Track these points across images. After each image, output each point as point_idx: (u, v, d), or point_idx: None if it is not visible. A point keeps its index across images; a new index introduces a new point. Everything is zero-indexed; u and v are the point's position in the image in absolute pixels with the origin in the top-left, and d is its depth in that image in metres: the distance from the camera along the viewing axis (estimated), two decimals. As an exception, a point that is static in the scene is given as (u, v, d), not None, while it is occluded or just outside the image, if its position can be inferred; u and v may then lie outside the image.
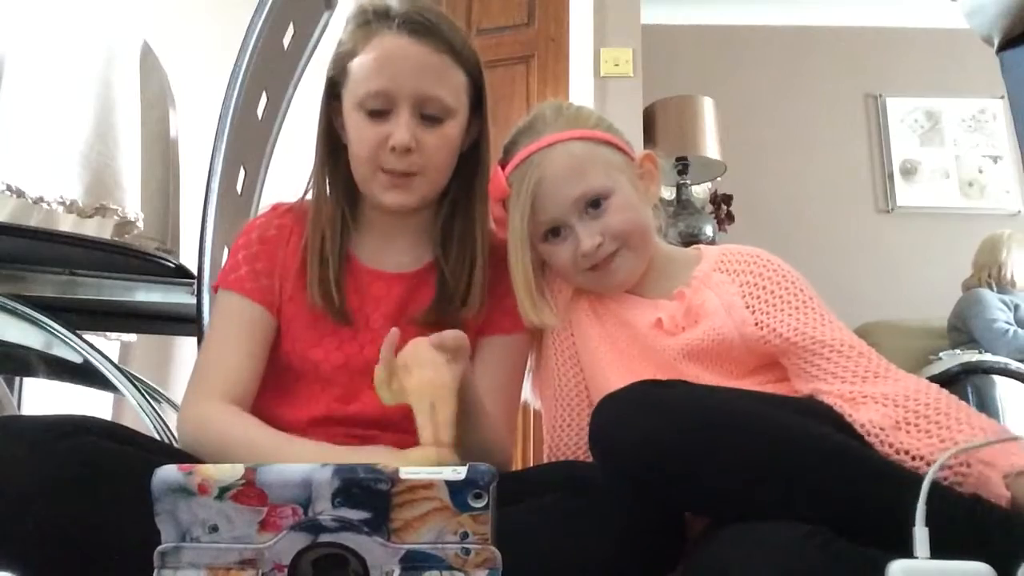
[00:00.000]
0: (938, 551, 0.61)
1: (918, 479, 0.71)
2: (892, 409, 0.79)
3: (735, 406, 0.72)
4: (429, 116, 0.90)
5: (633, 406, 0.72)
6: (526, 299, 0.93)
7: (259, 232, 0.96)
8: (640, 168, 0.99)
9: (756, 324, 0.90)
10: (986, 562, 0.60)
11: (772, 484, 0.68)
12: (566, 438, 0.97)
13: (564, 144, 0.94)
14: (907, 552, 0.61)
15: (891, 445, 0.77)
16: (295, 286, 0.93)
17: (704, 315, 0.92)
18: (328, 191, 0.96)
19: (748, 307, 0.91)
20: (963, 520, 0.67)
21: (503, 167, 0.97)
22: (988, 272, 3.01)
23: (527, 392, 1.05)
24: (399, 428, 0.91)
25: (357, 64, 0.90)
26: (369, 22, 0.90)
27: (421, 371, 0.75)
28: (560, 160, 0.93)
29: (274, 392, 0.93)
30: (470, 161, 0.96)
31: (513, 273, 0.93)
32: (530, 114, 1.00)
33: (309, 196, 0.97)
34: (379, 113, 0.89)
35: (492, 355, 0.96)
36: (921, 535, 0.62)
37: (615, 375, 0.93)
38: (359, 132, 0.90)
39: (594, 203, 0.93)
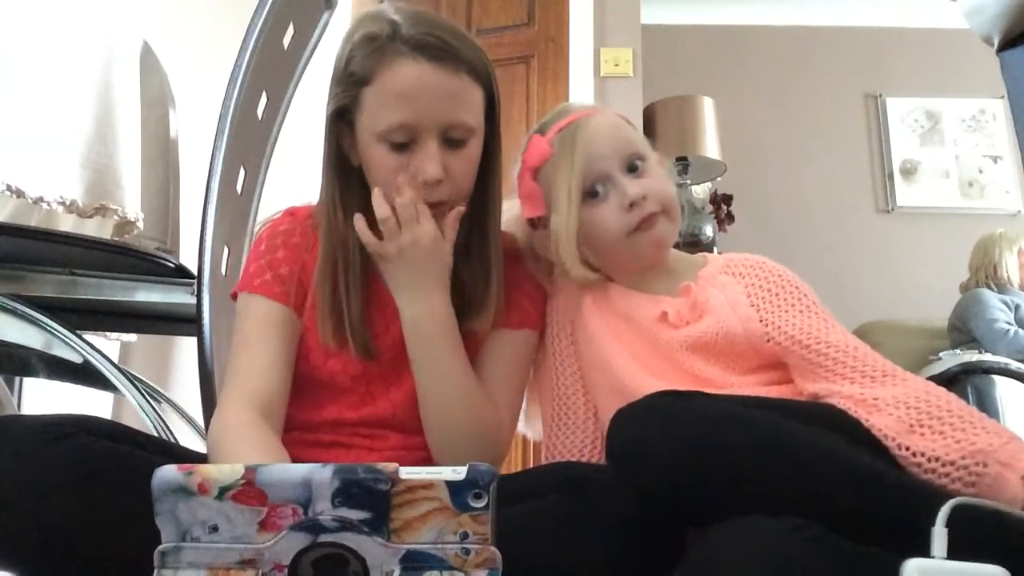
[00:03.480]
0: (954, 554, 0.61)
1: (924, 487, 0.71)
2: (904, 412, 0.79)
3: (764, 420, 0.71)
4: (453, 139, 0.87)
5: (654, 420, 0.70)
6: (570, 256, 0.94)
7: (283, 238, 0.94)
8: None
9: (761, 321, 0.91)
10: (1003, 566, 0.60)
11: (795, 498, 0.67)
12: (563, 438, 0.97)
13: (605, 113, 1.00)
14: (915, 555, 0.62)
15: (907, 448, 0.77)
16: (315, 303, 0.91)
17: (709, 310, 0.92)
18: (342, 215, 0.91)
19: (753, 305, 0.92)
20: (982, 525, 0.67)
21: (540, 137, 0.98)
22: (984, 273, 3.01)
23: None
24: (407, 428, 0.91)
25: (373, 94, 0.86)
26: (381, 47, 0.85)
27: None
28: (604, 121, 0.98)
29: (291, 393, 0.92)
30: (483, 171, 0.94)
31: (561, 230, 0.93)
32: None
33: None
34: (402, 145, 0.86)
35: (497, 348, 0.96)
36: (940, 535, 0.62)
37: (624, 368, 0.93)
38: (383, 168, 0.87)
39: (632, 166, 0.95)
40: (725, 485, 0.68)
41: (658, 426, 0.69)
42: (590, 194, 0.95)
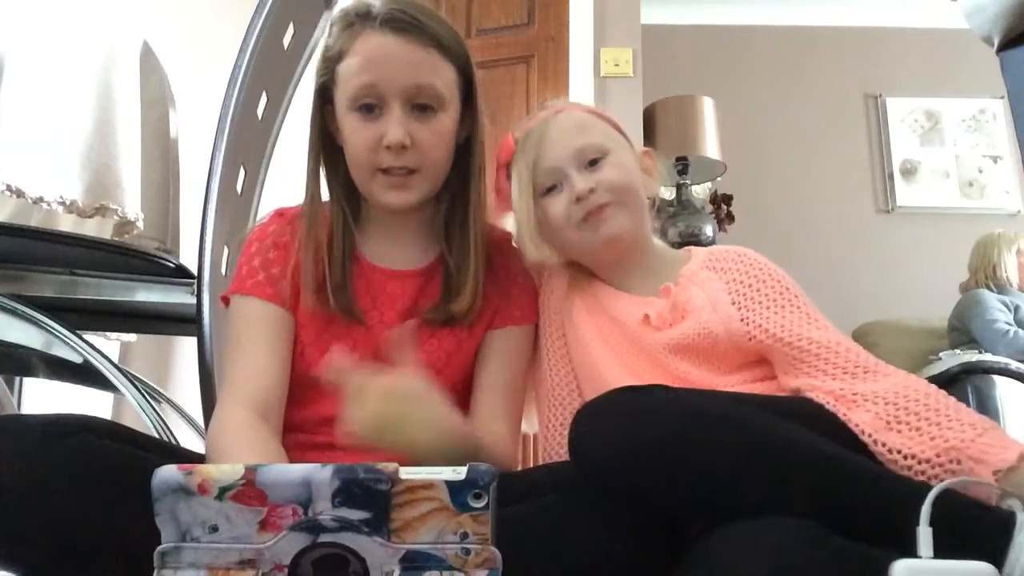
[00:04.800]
0: (937, 552, 0.62)
1: (902, 481, 0.71)
2: (882, 407, 0.80)
3: (710, 410, 0.71)
4: (422, 106, 0.89)
5: (607, 414, 0.71)
6: (528, 238, 0.96)
7: (273, 238, 0.95)
8: (640, 162, 1.01)
9: (742, 320, 0.90)
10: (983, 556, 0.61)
11: (749, 488, 0.67)
12: (559, 437, 0.97)
13: (572, 111, 1.00)
14: (903, 554, 0.62)
15: (883, 444, 0.78)
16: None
17: (690, 311, 0.92)
18: (330, 195, 0.95)
19: (735, 303, 0.92)
20: (965, 521, 0.67)
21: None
22: (983, 274, 3.01)
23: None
24: None
25: (345, 66, 0.90)
26: (353, 24, 0.89)
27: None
28: (567, 119, 0.99)
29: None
30: (464, 157, 0.96)
31: (518, 217, 0.97)
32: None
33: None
34: (370, 109, 0.88)
35: (501, 347, 0.97)
36: (924, 534, 0.62)
37: (608, 370, 0.94)
38: (353, 134, 0.90)
39: (592, 161, 0.96)
40: (685, 477, 0.68)
41: (617, 420, 0.70)
42: (549, 190, 0.97)
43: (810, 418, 0.78)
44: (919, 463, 0.76)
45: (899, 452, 0.77)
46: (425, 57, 0.89)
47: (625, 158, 0.98)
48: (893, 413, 0.79)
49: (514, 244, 1.03)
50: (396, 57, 0.88)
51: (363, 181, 0.92)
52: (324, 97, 0.94)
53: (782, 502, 0.66)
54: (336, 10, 0.93)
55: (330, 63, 0.91)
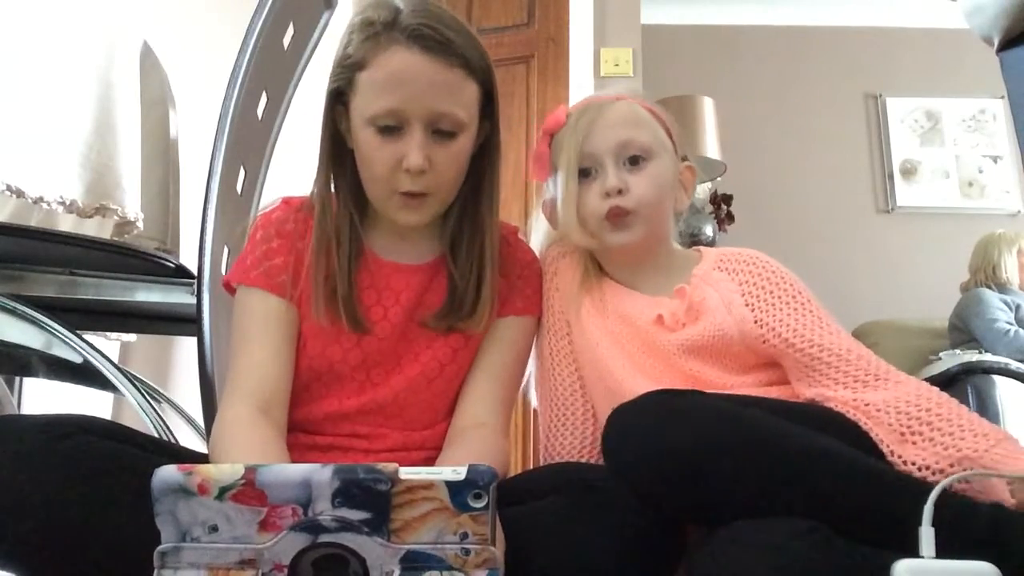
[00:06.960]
0: (947, 554, 0.62)
1: (922, 484, 0.71)
2: (895, 418, 0.80)
3: (755, 418, 0.72)
4: (441, 131, 0.87)
5: (650, 416, 0.71)
6: (571, 220, 0.95)
7: (276, 227, 0.94)
8: (681, 174, 1.02)
9: (756, 322, 0.90)
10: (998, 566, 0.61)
11: (788, 495, 0.68)
12: (561, 439, 0.97)
13: (631, 103, 0.99)
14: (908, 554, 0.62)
15: (900, 456, 0.79)
16: (309, 284, 0.91)
17: (705, 311, 0.92)
18: (335, 197, 0.93)
19: (748, 305, 0.92)
20: (977, 525, 0.68)
21: None
22: (984, 275, 3.01)
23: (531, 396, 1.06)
24: (407, 420, 0.92)
25: (367, 79, 0.87)
26: (378, 34, 0.86)
27: None
28: (622, 109, 0.98)
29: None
30: (479, 162, 0.94)
31: (563, 198, 0.96)
32: None
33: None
34: (390, 129, 0.86)
35: (501, 335, 0.96)
36: (927, 535, 0.62)
37: (619, 370, 0.94)
38: (371, 151, 0.88)
39: (634, 159, 0.96)
40: (719, 481, 0.68)
41: (653, 422, 0.70)
42: (583, 172, 0.96)
43: (833, 425, 0.79)
44: (933, 474, 0.77)
45: (914, 464, 0.78)
46: (450, 78, 0.86)
47: (665, 168, 0.97)
48: (906, 424, 0.80)
49: (520, 236, 1.03)
50: (422, 79, 0.85)
51: (378, 198, 0.91)
52: (335, 99, 0.91)
53: (814, 509, 0.67)
54: (358, 15, 0.90)
55: (349, 70, 0.88)
